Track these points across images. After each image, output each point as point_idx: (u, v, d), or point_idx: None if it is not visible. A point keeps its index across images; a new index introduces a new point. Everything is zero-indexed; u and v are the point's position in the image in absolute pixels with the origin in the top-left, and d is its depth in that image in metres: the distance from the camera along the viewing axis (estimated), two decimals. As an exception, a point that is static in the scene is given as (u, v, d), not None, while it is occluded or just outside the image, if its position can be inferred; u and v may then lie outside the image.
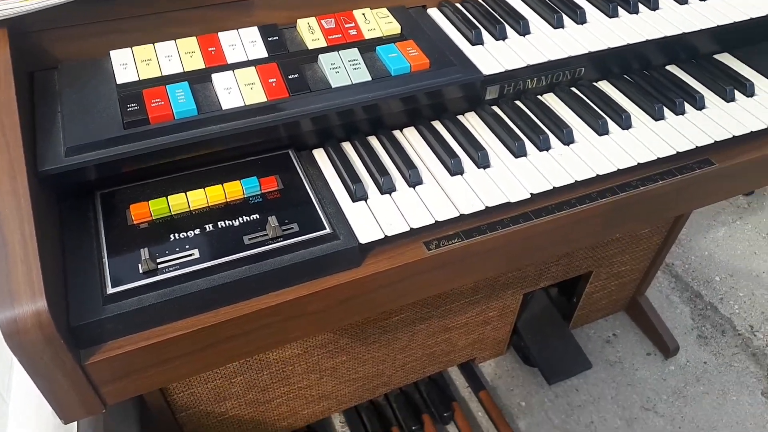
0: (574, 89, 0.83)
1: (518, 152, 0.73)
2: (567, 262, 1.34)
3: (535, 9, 0.85)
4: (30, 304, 0.50)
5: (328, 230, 0.63)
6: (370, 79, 0.69)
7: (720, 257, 1.80)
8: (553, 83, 0.82)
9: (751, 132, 0.79)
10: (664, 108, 0.80)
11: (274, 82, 0.66)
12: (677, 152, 0.75)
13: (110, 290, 0.56)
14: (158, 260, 0.58)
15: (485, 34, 0.79)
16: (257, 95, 0.65)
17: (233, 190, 0.65)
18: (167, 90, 0.64)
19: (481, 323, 1.37)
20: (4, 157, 0.56)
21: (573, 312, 1.53)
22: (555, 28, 0.81)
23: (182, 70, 0.67)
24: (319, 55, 0.70)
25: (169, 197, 0.63)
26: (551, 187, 0.70)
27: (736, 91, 0.84)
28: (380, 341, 1.24)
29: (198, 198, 0.64)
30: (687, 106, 0.81)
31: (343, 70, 0.69)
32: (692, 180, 0.77)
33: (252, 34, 0.72)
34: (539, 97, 0.82)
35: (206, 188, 0.65)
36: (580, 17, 0.82)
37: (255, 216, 0.63)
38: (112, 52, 0.68)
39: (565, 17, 0.83)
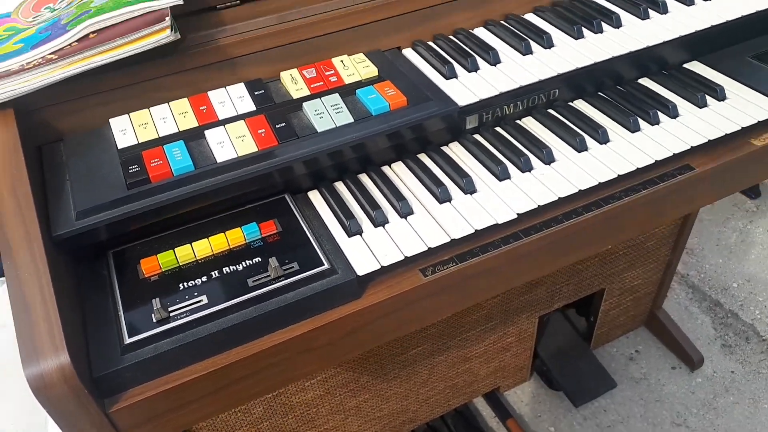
0: (551, 111, 0.87)
1: (502, 176, 0.77)
2: (577, 281, 1.36)
3: (503, 39, 0.90)
4: (54, 359, 0.54)
5: (326, 266, 0.67)
6: (352, 120, 0.74)
7: (735, 263, 1.80)
8: (530, 107, 0.87)
9: (726, 134, 0.82)
10: (639, 120, 0.84)
11: (263, 132, 0.72)
12: (655, 161, 0.78)
13: (127, 340, 0.60)
14: (170, 309, 0.62)
15: (458, 68, 0.84)
16: (248, 146, 0.70)
17: (235, 237, 0.69)
18: (165, 150, 0.70)
19: (500, 350, 1.39)
20: (20, 226, 0.61)
21: (592, 331, 1.53)
22: (524, 54, 0.86)
23: (177, 130, 0.73)
24: (303, 103, 0.76)
25: (176, 249, 0.68)
26: (536, 206, 0.74)
27: (707, 97, 0.87)
28: (400, 376, 1.26)
29: (203, 248, 0.68)
30: (661, 115, 0.85)
31: (327, 115, 0.74)
32: (675, 186, 0.80)
33: (239, 90, 0.78)
34: (518, 121, 0.86)
35: (210, 238, 0.69)
36: (547, 42, 0.87)
37: (257, 259, 0.67)
38: (111, 120, 0.74)
39: (532, 44, 0.88)
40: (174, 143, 0.71)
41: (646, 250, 1.42)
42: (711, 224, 1.93)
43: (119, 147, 0.72)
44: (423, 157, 0.82)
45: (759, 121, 0.84)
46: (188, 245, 0.68)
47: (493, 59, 0.85)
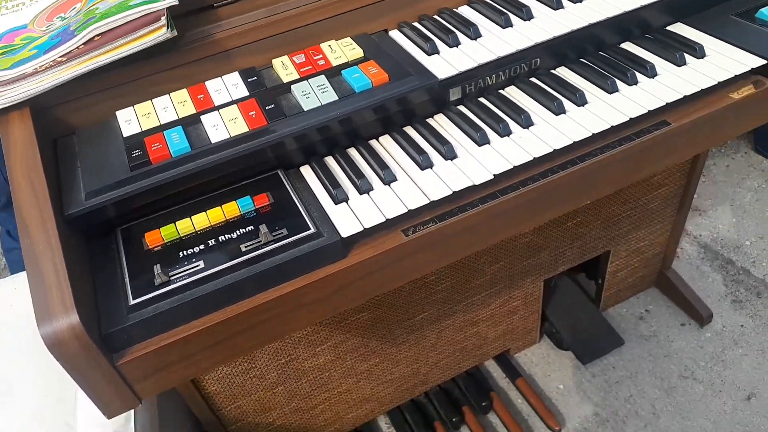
0: (533, 79, 0.91)
1: (481, 141, 0.81)
2: (581, 244, 1.39)
3: (485, 14, 0.93)
4: (65, 319, 0.61)
5: (312, 230, 0.72)
6: (337, 98, 0.79)
7: (749, 222, 1.80)
8: (513, 76, 0.90)
9: (702, 90, 0.84)
10: (617, 81, 0.87)
11: (254, 114, 0.77)
12: (630, 118, 0.81)
13: (132, 302, 0.67)
14: (170, 273, 0.69)
15: (440, 44, 0.88)
16: (240, 127, 0.76)
17: (230, 209, 0.75)
18: (164, 135, 0.76)
19: (507, 314, 1.43)
20: (35, 208, 0.68)
21: (601, 294, 1.56)
22: (504, 28, 0.89)
23: (177, 117, 0.79)
24: (292, 86, 0.81)
25: (176, 223, 0.74)
26: (512, 166, 0.78)
27: (686, 55, 0.89)
28: (409, 341, 1.31)
29: (201, 220, 0.74)
30: (639, 75, 0.87)
31: (313, 95, 0.79)
32: (652, 141, 0.83)
33: (234, 78, 0.84)
34: (501, 91, 0.90)
35: (208, 211, 0.75)
36: (526, 14, 0.90)
37: (250, 228, 0.73)
38: (117, 112, 0.80)
39: (512, 17, 0.91)
40: (173, 129, 0.77)
41: (650, 211, 1.44)
42: (725, 185, 1.92)
43: (124, 135, 0.78)
44: (409, 130, 0.86)
45: (736, 75, 0.86)
46: (188, 219, 0.75)
47: (474, 34, 0.89)
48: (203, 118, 0.78)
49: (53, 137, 0.80)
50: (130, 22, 0.75)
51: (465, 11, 0.96)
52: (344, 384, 1.30)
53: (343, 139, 0.84)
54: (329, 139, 0.82)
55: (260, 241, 0.71)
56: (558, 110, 0.84)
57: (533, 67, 0.91)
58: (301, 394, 1.25)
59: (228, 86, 0.82)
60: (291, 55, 0.86)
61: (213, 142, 0.75)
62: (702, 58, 0.89)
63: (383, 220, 0.74)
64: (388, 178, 0.78)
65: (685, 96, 0.84)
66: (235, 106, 0.79)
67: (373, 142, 0.85)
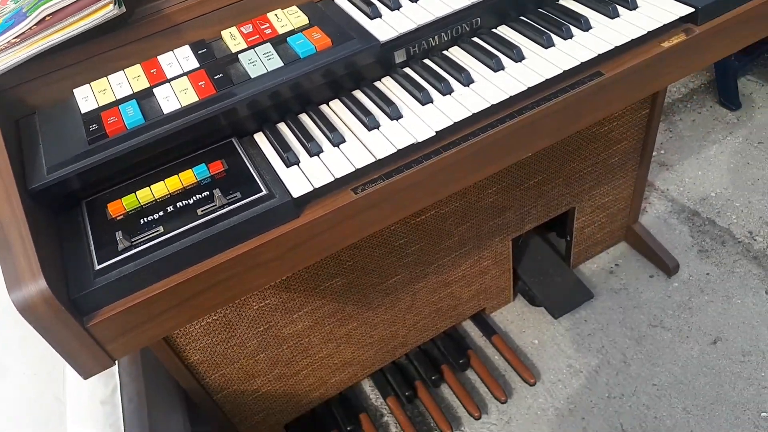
0: (475, 39, 0.95)
1: (424, 100, 0.85)
2: (545, 202, 1.44)
3: (426, -23, 0.96)
4: (33, 285, 0.66)
5: (264, 192, 0.76)
6: (282, 64, 0.83)
7: (714, 174, 1.85)
8: (455, 37, 0.94)
9: (633, 40, 0.88)
10: (553, 36, 0.91)
11: (203, 84, 0.81)
12: (563, 71, 0.86)
13: (97, 267, 0.71)
14: (132, 239, 0.73)
15: (382, 8, 0.91)
16: (190, 97, 0.80)
17: (187, 177, 0.79)
18: (120, 109, 0.80)
19: (478, 273, 1.48)
20: (0, 185, 0.72)
21: (571, 250, 1.62)
22: (444, -11, 0.93)
23: (131, 92, 0.83)
24: (239, 55, 0.85)
25: (137, 192, 0.78)
26: (452, 123, 0.82)
27: (619, 7, 0.93)
28: (384, 304, 1.36)
29: (160, 189, 0.79)
30: (574, 29, 0.91)
31: (259, 62, 0.83)
32: (587, 91, 0.87)
33: (185, 51, 0.87)
34: (444, 51, 0.94)
35: (166, 180, 0.79)
36: (464, -25, 0.94)
37: (206, 193, 0.78)
38: (74, 90, 0.84)
39: (451, -22, 0.94)
40: (128, 103, 0.81)
41: (611, 167, 1.48)
42: (691, 140, 1.97)
43: (82, 112, 0.82)
44: (357, 93, 0.90)
45: (666, 24, 0.90)
46: (147, 188, 0.79)
47: (415, -4, 0.92)
48: (156, 90, 0.82)
49: (15, 118, 0.84)
50: (78, 1, 0.79)
51: (407, -24, 0.99)
52: (325, 349, 1.35)
53: (294, 104, 0.88)
54: (280, 105, 0.86)
55: (215, 205, 0.75)
56: (497, 67, 0.88)
57: (475, 27, 0.95)
58: (283, 361, 1.30)
59: (179, 59, 0.86)
60: (239, 26, 0.89)
61: (165, 112, 0.79)
62: (634, 9, 0.93)
63: (332, 179, 0.78)
64: (337, 140, 0.82)
65: (616, 47, 0.88)
66: (185, 77, 0.83)
67: (324, 107, 0.89)
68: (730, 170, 1.84)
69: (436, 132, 0.82)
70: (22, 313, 0.66)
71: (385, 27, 0.88)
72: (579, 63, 0.86)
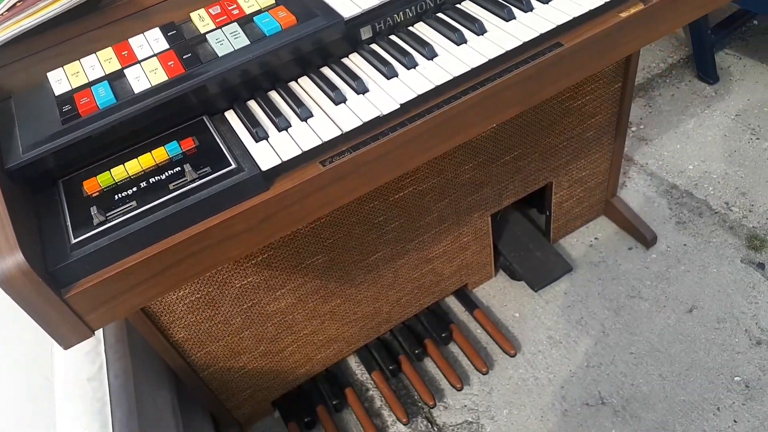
0: (440, 14, 0.97)
1: (389, 74, 0.88)
2: (522, 177, 1.47)
3: (389, -45, 0.99)
4: (11, 258, 0.68)
5: (234, 166, 0.79)
6: (249, 43, 0.85)
7: (692, 147, 1.88)
8: (420, 12, 0.96)
9: (590, 11, 0.91)
10: (514, 8, 0.93)
11: (172, 63, 0.83)
12: (523, 42, 0.88)
13: (73, 240, 0.74)
14: (107, 214, 0.76)
15: (346, -14, 0.94)
16: (160, 76, 0.82)
17: (159, 154, 0.82)
18: (92, 90, 0.82)
19: (459, 249, 1.51)
20: (-24, 165, 0.75)
21: (550, 225, 1.65)
22: (407, -35, 0.95)
23: (104, 74, 0.85)
24: (207, 35, 0.87)
25: (111, 170, 0.81)
26: (416, 95, 0.85)
27: (579, -20, 0.96)
28: (367, 281, 1.39)
29: (133, 166, 0.81)
30: (535, 2, 0.94)
31: (226, 41, 0.85)
32: (548, 62, 0.90)
33: (155, 33, 0.90)
34: (410, 27, 0.96)
35: (139, 158, 0.82)
36: (427, -49, 0.96)
37: (178, 169, 0.80)
38: (48, 74, 0.86)
39: (415, -45, 0.97)
40: (100, 84, 0.84)
41: (586, 141, 1.51)
42: (670, 114, 1.99)
43: (56, 94, 0.85)
44: (325, 70, 0.93)
45: (622, -5, 0.93)
46: (122, 166, 0.82)
47: (379, -27, 0.95)
48: (127, 71, 0.85)
49: (-10, 103, 0.86)
50: (48, -13, 0.81)
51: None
52: (309, 326, 1.38)
53: (263, 82, 0.90)
54: (249, 82, 0.89)
55: (186, 180, 0.78)
56: (459, 41, 0.90)
57: (439, 2, 0.97)
58: (268, 338, 1.33)
59: (150, 41, 0.88)
60: (207, 8, 0.92)
61: (136, 92, 0.82)
62: (593, -19, 0.96)
63: (300, 152, 0.81)
64: (305, 115, 0.85)
65: (575, 18, 0.90)
66: (155, 58, 0.85)
67: (293, 84, 0.92)
68: (708, 143, 1.87)
69: (401, 104, 0.84)
70: (1, 285, 0.69)
71: (349, 4, 0.91)
72: (538, 34, 0.89)
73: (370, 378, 1.50)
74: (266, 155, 0.81)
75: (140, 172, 0.81)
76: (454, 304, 1.62)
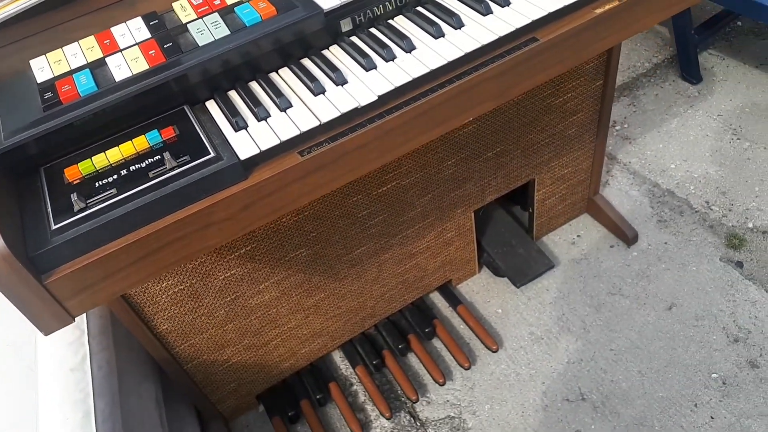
0: (419, 8, 0.99)
1: (368, 66, 0.89)
2: (504, 174, 1.49)
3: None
4: (-9, 244, 0.70)
5: (212, 155, 0.80)
6: (229, 33, 0.87)
7: (674, 146, 1.90)
8: (400, 6, 0.98)
9: (566, 6, 0.93)
10: (491, 3, 0.95)
11: (153, 52, 0.85)
12: (499, 37, 0.90)
13: (54, 226, 0.75)
14: (87, 201, 0.77)
15: (326, -21, 0.95)
16: (141, 65, 0.84)
17: (140, 142, 0.83)
18: (74, 78, 0.83)
19: (443, 245, 1.53)
20: (-41, 152, 0.76)
21: (533, 222, 1.67)
22: (385, -43, 0.97)
23: (86, 62, 0.86)
24: (188, 25, 0.88)
25: (92, 158, 0.82)
26: (393, 87, 0.86)
27: (556, -24, 0.98)
28: (351, 275, 1.41)
29: (114, 154, 0.82)
30: (512, -3, 0.96)
31: (207, 31, 0.87)
32: (523, 57, 0.92)
33: (137, 23, 0.91)
34: (390, 20, 0.98)
35: (120, 146, 0.83)
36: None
37: (158, 157, 0.81)
38: (31, 61, 0.88)
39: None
40: (82, 72, 0.85)
41: (568, 138, 1.53)
42: (654, 113, 2.02)
43: (38, 81, 0.86)
44: (305, 61, 0.94)
45: (599, -9, 0.95)
46: (103, 154, 0.83)
47: (359, -35, 0.96)
48: (108, 60, 0.86)
49: (-26, 92, 0.87)
50: (31, -23, 0.83)
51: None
52: (293, 320, 1.39)
53: (244, 72, 0.92)
54: (229, 72, 0.90)
55: (165, 168, 0.79)
56: (437, 34, 0.92)
57: (418, -4, 0.99)
58: (252, 331, 1.34)
59: (132, 30, 0.90)
60: (189, -2, 0.93)
61: (117, 80, 0.83)
62: (570, -23, 0.98)
63: (278, 142, 0.83)
64: (284, 105, 0.87)
65: (550, 13, 0.92)
66: (137, 47, 0.86)
67: (274, 75, 0.93)
68: (690, 142, 1.90)
69: (379, 96, 0.86)
70: (-20, 270, 0.70)
71: (330, -4, 0.93)
72: (514, 29, 0.91)
73: (354, 372, 1.51)
74: (245, 144, 0.82)
75: (121, 160, 0.82)
76: (438, 299, 1.63)
